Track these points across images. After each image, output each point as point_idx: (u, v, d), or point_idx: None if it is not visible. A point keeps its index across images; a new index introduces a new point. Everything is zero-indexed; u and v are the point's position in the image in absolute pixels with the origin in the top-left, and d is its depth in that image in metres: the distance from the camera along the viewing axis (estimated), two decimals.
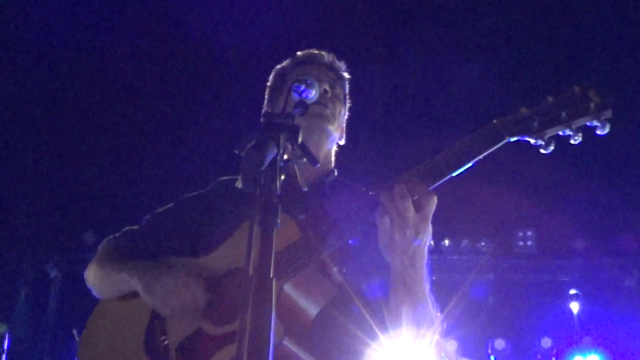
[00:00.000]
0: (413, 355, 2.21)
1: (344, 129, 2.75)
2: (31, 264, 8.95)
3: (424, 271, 2.20)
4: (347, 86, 2.75)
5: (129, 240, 2.73)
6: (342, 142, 2.76)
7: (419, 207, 2.08)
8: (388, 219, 2.08)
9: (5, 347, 8.16)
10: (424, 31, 7.61)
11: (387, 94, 8.09)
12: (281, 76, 2.73)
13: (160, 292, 2.33)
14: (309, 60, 2.70)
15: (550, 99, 2.16)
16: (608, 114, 2.14)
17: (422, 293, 2.20)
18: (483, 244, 8.92)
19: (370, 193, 2.16)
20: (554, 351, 8.61)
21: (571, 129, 2.14)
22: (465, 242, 8.92)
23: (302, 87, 2.04)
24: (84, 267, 2.72)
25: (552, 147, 2.16)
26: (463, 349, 8.38)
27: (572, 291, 8.79)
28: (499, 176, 7.63)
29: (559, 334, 8.71)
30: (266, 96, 2.79)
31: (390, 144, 8.05)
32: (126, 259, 2.59)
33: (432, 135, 7.61)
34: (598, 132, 2.16)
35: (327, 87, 2.54)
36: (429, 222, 2.13)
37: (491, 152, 2.15)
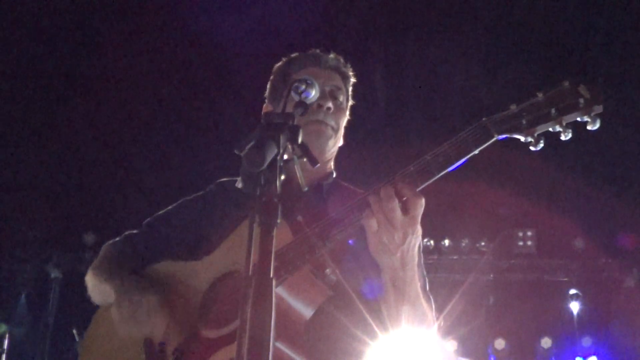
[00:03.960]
0: (410, 354, 2.21)
1: (343, 129, 2.73)
2: (31, 264, 8.96)
3: (415, 272, 2.18)
4: (351, 88, 2.71)
5: (129, 244, 2.72)
6: (340, 144, 2.74)
7: (406, 209, 2.06)
8: (374, 222, 2.06)
9: (5, 347, 8.17)
10: (422, 31, 7.62)
11: (386, 94, 8.10)
12: (283, 75, 2.69)
13: (125, 312, 2.36)
14: (314, 62, 2.65)
15: (540, 95, 2.14)
16: (599, 109, 2.10)
17: (414, 293, 2.19)
18: (483, 244, 8.93)
19: (363, 193, 2.15)
20: (554, 351, 8.62)
21: (561, 125, 2.11)
22: (465, 242, 8.93)
23: (302, 87, 2.02)
24: (85, 267, 2.72)
25: (541, 144, 2.14)
26: (463, 349, 8.39)
27: (572, 291, 8.80)
28: (499, 176, 7.64)
29: (559, 334, 8.72)
30: (267, 93, 2.74)
31: (389, 144, 8.05)
32: (117, 268, 2.59)
33: (431, 134, 7.62)
34: (589, 127, 2.12)
35: (330, 105, 2.49)
36: (418, 224, 2.10)
37: (480, 151, 2.13)
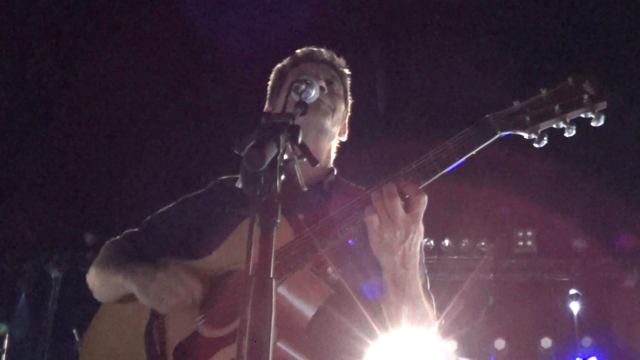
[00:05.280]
0: (410, 354, 2.20)
1: (346, 125, 2.74)
2: (31, 264, 8.96)
3: (416, 271, 2.17)
4: (348, 82, 2.73)
5: (130, 242, 2.73)
6: (343, 139, 2.74)
7: (409, 207, 2.06)
8: (377, 218, 2.06)
9: (5, 347, 8.17)
10: (423, 30, 7.62)
11: (387, 93, 8.10)
12: (281, 74, 2.71)
13: (156, 290, 2.32)
14: (308, 58, 2.68)
15: (543, 91, 2.12)
16: (603, 105, 2.08)
17: (415, 292, 2.18)
18: (483, 244, 8.92)
19: (365, 191, 2.14)
20: (554, 351, 8.62)
21: (565, 122, 2.09)
22: (465, 242, 8.92)
23: (302, 87, 2.02)
24: (85, 267, 2.73)
25: (545, 141, 2.12)
26: (463, 349, 8.39)
27: (572, 291, 8.81)
28: (499, 176, 7.64)
29: (559, 334, 8.72)
30: (267, 95, 2.78)
31: (389, 143, 8.05)
32: (123, 261, 2.58)
33: (432, 133, 7.61)
34: (593, 123, 2.10)
35: (323, 85, 2.52)
36: (420, 222, 2.09)
37: (482, 149, 2.12)
